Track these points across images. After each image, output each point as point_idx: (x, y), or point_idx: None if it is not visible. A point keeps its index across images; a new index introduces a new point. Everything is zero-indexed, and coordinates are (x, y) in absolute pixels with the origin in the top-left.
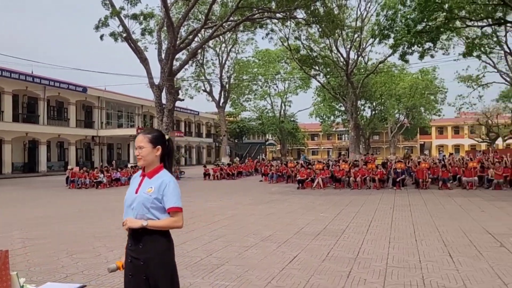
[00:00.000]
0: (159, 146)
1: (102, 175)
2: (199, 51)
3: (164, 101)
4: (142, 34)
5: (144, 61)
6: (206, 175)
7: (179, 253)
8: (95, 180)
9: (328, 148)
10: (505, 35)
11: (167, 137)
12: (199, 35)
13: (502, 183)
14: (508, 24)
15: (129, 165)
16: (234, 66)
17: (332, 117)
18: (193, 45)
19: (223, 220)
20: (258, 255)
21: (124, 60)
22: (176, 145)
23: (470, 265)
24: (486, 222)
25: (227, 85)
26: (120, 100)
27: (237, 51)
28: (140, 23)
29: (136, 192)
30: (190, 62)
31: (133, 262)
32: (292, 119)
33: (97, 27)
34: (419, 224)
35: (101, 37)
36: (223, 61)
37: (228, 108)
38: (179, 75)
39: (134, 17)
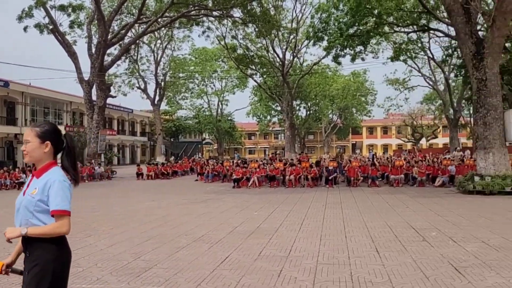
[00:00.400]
0: (48, 142)
1: (25, 175)
2: (133, 46)
3: (94, 97)
4: (71, 27)
5: (72, 55)
6: (139, 174)
7: (105, 257)
8: (16, 181)
9: (264, 147)
10: (429, 41)
11: (63, 132)
12: (133, 30)
13: (425, 180)
14: (431, 31)
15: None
16: (170, 64)
17: (268, 117)
18: (126, 40)
19: (155, 220)
20: (189, 256)
21: (52, 53)
22: (108, 143)
23: (395, 260)
24: (410, 218)
25: (162, 83)
26: (47, 96)
27: (173, 48)
28: (69, 15)
29: (24, 194)
30: (123, 57)
31: (24, 272)
32: (229, 118)
33: (20, 18)
34: (349, 221)
35: (25, 28)
36: (158, 58)
37: (163, 106)
38: (111, 71)
39: (62, 8)
